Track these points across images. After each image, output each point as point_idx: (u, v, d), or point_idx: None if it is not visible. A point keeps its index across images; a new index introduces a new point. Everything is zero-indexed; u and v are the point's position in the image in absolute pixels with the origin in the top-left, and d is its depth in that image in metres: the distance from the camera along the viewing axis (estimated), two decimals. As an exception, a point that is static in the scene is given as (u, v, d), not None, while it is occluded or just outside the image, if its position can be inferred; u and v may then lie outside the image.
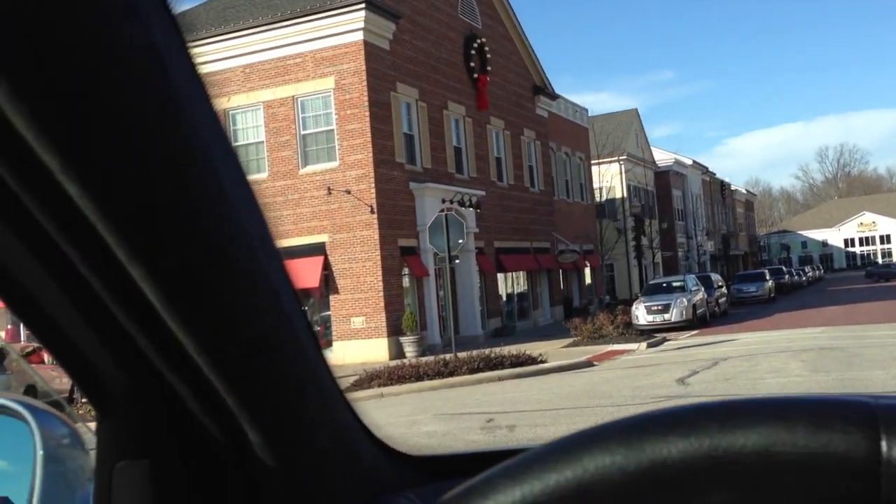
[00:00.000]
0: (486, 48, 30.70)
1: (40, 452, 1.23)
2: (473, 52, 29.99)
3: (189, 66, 0.57)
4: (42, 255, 0.62)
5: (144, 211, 0.55)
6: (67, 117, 0.50)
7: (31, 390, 15.37)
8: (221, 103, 24.67)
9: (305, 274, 23.43)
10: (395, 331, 23.32)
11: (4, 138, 0.52)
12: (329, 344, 23.97)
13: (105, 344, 0.69)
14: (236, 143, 24.84)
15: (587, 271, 40.70)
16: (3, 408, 1.33)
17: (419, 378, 15.83)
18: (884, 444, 0.46)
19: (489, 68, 30.75)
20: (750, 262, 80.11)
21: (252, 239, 0.63)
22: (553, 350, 20.20)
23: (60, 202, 0.55)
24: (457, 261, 24.35)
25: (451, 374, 16.02)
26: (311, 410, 0.75)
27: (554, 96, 37.64)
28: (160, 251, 0.57)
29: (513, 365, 16.61)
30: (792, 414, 0.49)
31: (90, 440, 1.15)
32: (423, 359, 18.21)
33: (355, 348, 23.11)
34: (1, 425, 1.32)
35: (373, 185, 23.52)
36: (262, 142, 24.72)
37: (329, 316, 24.01)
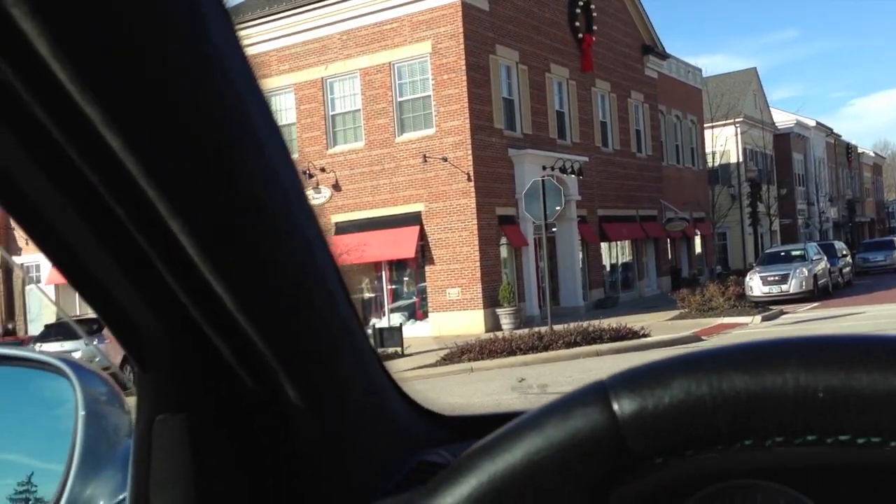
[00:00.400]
0: (592, 6, 29.35)
1: (82, 411, 1.27)
2: (578, 10, 28.71)
3: (227, 25, 0.59)
4: (85, 212, 0.62)
5: (184, 164, 0.57)
6: (111, 71, 0.52)
7: (127, 360, 15.62)
8: (319, 71, 24.58)
9: (401, 244, 23.10)
10: (491, 302, 22.74)
11: (50, 91, 0.53)
12: (425, 315, 23.64)
13: (146, 299, 0.69)
14: (333, 113, 24.69)
15: (697, 240, 38.89)
16: (47, 364, 1.36)
17: (512, 352, 15.22)
18: (615, 406, 0.50)
19: (595, 28, 29.41)
20: (877, 230, 75.64)
21: (288, 194, 0.65)
22: (658, 323, 19.19)
23: (103, 156, 0.56)
24: (554, 229, 23.55)
25: (546, 349, 15.34)
26: (345, 365, 0.78)
27: (664, 56, 35.86)
28: (200, 204, 0.59)
29: (612, 339, 15.77)
30: (542, 420, 0.52)
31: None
32: (518, 332, 17.59)
33: (451, 320, 22.69)
34: (45, 382, 1.37)
35: (470, 152, 22.88)
36: (359, 110, 24.41)
37: (425, 287, 23.65)
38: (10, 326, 28.42)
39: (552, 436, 0.52)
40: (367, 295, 24.97)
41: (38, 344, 18.77)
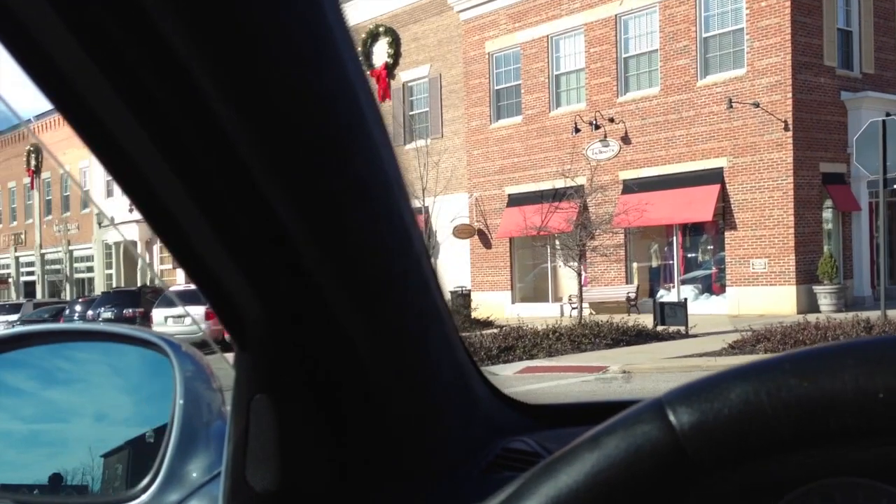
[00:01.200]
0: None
1: (180, 388, 1.31)
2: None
3: (338, 10, 0.60)
4: (199, 196, 0.64)
5: (297, 143, 0.60)
6: (235, 52, 0.55)
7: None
8: (612, 8, 21.77)
9: (697, 205, 19.71)
10: (807, 278, 18.60)
11: (172, 73, 0.56)
12: (722, 289, 20.07)
13: (251, 282, 0.70)
14: (626, 55, 21.78)
15: None
16: (149, 343, 1.43)
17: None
18: (673, 419, 0.50)
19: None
20: None
21: (389, 178, 0.67)
22: None
23: (218, 140, 0.59)
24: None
25: (873, 343, 11.45)
26: (435, 348, 0.79)
27: None
28: (309, 183, 0.62)
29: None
30: (601, 439, 0.53)
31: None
32: (839, 315, 13.75)
33: (754, 296, 18.94)
34: (146, 359, 1.42)
35: (789, 95, 18.79)
36: (656, 50, 21.21)
37: (723, 256, 20.03)
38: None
39: (612, 455, 0.52)
40: (655, 263, 21.91)
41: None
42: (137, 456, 1.37)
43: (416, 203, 23.17)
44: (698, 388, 0.51)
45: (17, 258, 45.95)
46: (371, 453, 0.77)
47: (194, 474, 1.26)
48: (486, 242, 24.97)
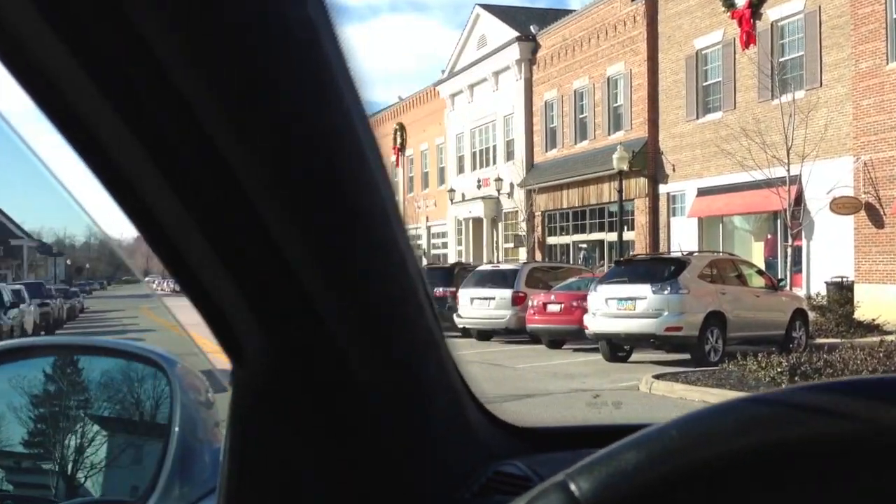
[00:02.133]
0: None
1: (177, 404, 1.34)
2: None
3: (339, 43, 0.62)
4: (199, 216, 0.65)
5: (295, 170, 0.62)
6: (224, 85, 0.57)
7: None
8: None
9: None
10: None
11: (173, 97, 0.57)
12: None
13: (248, 302, 0.71)
14: None
15: None
16: (146, 359, 1.46)
17: None
18: (574, 489, 0.55)
19: None
20: None
21: (386, 206, 0.69)
22: None
23: (216, 162, 0.60)
24: None
25: None
26: (430, 372, 0.80)
27: None
28: (311, 216, 0.64)
29: None
30: None
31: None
32: None
33: None
34: (144, 374, 1.47)
35: None
36: None
37: None
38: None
39: None
40: None
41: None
42: (134, 470, 1.40)
43: (750, 173, 19.11)
44: (598, 460, 0.56)
45: (386, 233, 48.13)
46: (365, 476, 0.78)
47: (190, 489, 1.26)
48: (877, 220, 19.01)
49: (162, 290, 28.28)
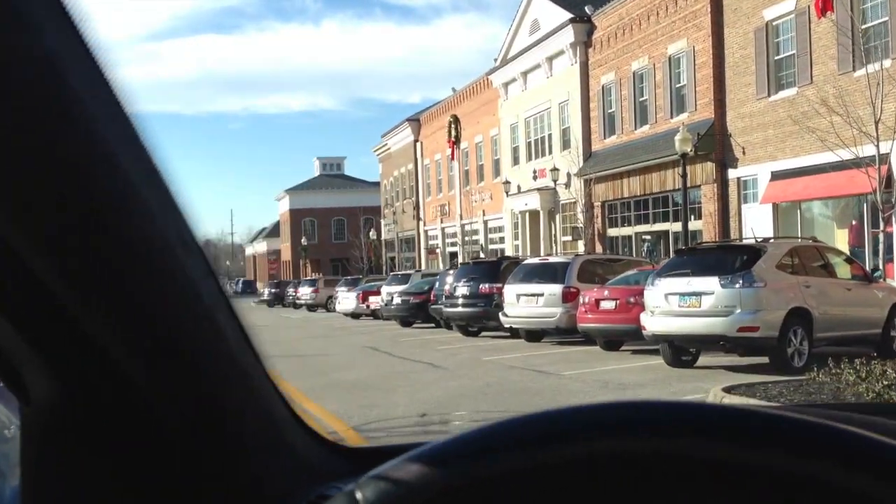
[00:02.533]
0: None
1: None
2: None
3: (91, 70, 0.60)
4: None
5: (44, 210, 0.59)
6: None
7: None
8: None
9: None
10: None
11: None
12: None
13: (24, 339, 0.70)
14: None
15: None
16: None
17: None
18: (358, 496, 0.62)
19: None
20: None
21: (168, 236, 0.68)
22: None
23: None
24: None
25: None
26: (235, 397, 0.79)
27: None
28: (64, 249, 0.61)
29: None
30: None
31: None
32: None
33: None
34: None
35: None
36: None
37: None
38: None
39: None
40: None
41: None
42: None
43: (836, 151, 16.80)
44: (385, 471, 0.61)
45: (442, 229, 46.78)
46: None
47: None
48: (982, 201, 16.70)
49: None
